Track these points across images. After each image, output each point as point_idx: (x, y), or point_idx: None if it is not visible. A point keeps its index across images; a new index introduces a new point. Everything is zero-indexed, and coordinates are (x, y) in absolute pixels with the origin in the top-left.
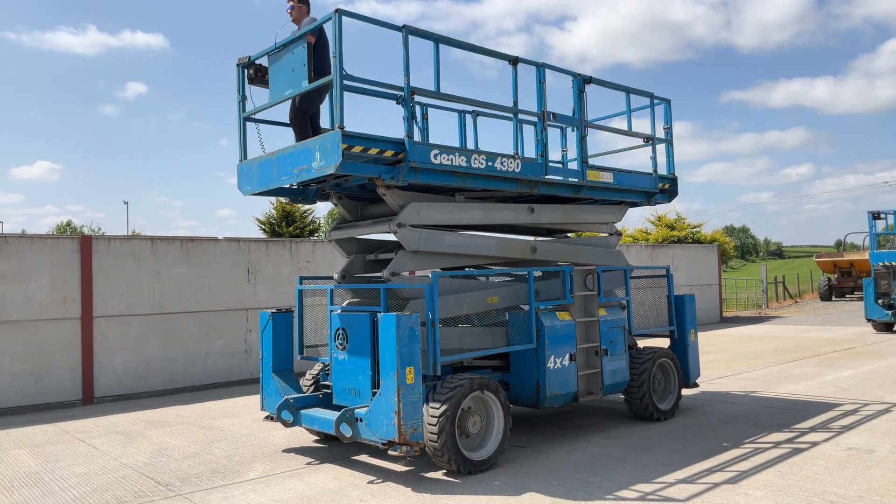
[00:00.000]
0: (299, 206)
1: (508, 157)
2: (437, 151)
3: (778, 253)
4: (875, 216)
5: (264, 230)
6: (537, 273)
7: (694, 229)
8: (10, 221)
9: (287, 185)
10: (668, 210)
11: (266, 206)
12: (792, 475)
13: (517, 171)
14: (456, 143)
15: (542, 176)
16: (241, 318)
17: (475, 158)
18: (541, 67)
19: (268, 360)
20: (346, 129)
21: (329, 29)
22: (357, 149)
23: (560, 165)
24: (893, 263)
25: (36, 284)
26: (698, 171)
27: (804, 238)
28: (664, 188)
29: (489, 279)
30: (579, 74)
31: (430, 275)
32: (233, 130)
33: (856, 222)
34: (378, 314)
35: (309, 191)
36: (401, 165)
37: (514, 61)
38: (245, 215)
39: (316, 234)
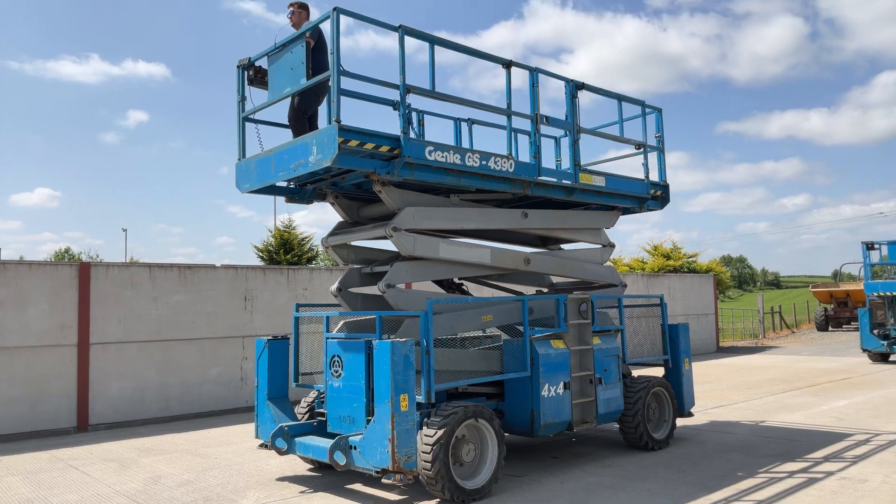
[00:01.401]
0: (297, 233)
1: (502, 156)
2: (431, 148)
3: (775, 283)
4: (869, 247)
5: (262, 258)
6: (532, 301)
7: (690, 259)
8: (8, 248)
9: (284, 183)
10: (665, 240)
11: (264, 234)
12: None
13: (511, 171)
14: None
15: (536, 177)
16: (237, 345)
17: (469, 157)
18: (534, 72)
19: (263, 387)
20: (342, 123)
21: (327, 29)
22: (353, 143)
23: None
24: (888, 294)
25: (34, 311)
26: (695, 200)
27: (801, 268)
28: (656, 195)
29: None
30: (571, 80)
31: (425, 288)
32: (233, 159)
33: (852, 252)
34: (373, 341)
35: (306, 190)
36: (396, 161)
37: (508, 65)
38: (243, 243)
39: (313, 262)
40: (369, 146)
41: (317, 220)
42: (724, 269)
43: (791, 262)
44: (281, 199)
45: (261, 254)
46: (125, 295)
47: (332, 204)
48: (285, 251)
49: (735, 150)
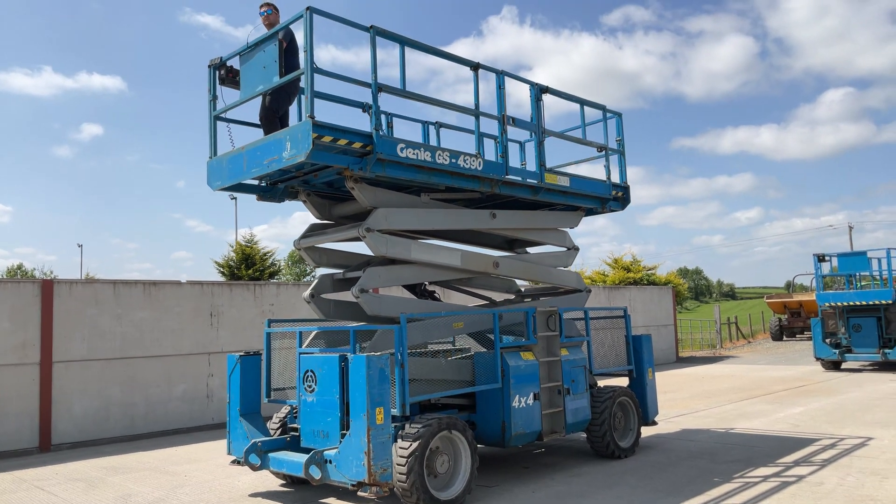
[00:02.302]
0: (259, 248)
1: (471, 155)
2: (403, 145)
3: (731, 294)
4: (820, 259)
5: (223, 273)
6: (502, 313)
7: (649, 271)
8: None
9: (256, 181)
10: (625, 253)
11: (224, 249)
12: None
13: (479, 169)
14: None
15: (503, 175)
16: (203, 362)
17: (439, 154)
18: (500, 74)
19: (235, 403)
20: (316, 119)
21: (299, 33)
22: (327, 139)
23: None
24: (840, 304)
25: None
26: (651, 214)
27: (756, 279)
28: (617, 195)
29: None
30: (536, 84)
31: (397, 293)
32: (191, 171)
33: (804, 264)
34: (348, 355)
35: (277, 189)
36: (369, 157)
37: (475, 67)
38: (202, 258)
39: (277, 277)
40: (342, 142)
41: (278, 235)
42: (681, 281)
43: (745, 274)
44: (242, 214)
45: (222, 269)
46: (89, 312)
47: (304, 202)
48: (247, 266)
49: (690, 164)
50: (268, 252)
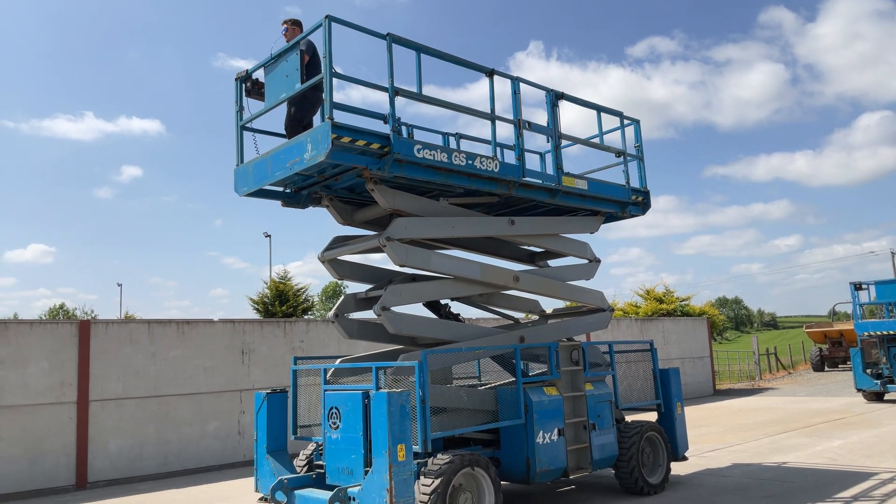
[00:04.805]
0: (292, 284)
1: (488, 157)
2: (420, 146)
3: (772, 323)
4: (857, 287)
5: (258, 309)
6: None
7: (683, 302)
8: (2, 305)
9: (280, 188)
10: (657, 284)
11: (259, 286)
12: None
13: (496, 171)
14: None
15: (520, 177)
16: (235, 399)
17: (456, 156)
18: (515, 80)
19: (262, 440)
20: (335, 121)
21: (320, 38)
22: (346, 139)
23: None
24: (880, 333)
25: (34, 369)
26: (687, 243)
27: (798, 308)
28: (637, 200)
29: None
30: (552, 90)
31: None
32: (228, 210)
33: (846, 292)
34: (370, 392)
35: (300, 195)
36: (387, 158)
37: (490, 73)
38: (238, 294)
39: (309, 313)
40: (361, 143)
41: (312, 271)
42: (717, 311)
43: (787, 302)
44: (277, 251)
45: (256, 305)
46: (124, 351)
47: (327, 207)
48: (280, 302)
49: (723, 192)
50: (301, 288)
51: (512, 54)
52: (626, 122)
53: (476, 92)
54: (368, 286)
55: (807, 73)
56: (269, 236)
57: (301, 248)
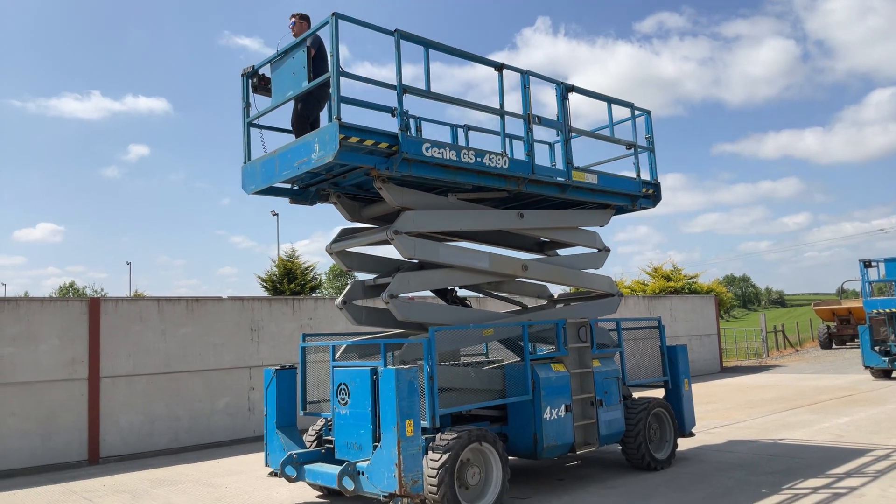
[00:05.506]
0: (300, 262)
1: (497, 154)
2: (428, 145)
3: (780, 301)
4: (867, 264)
5: (266, 287)
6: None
7: (690, 280)
8: (12, 283)
9: (289, 184)
10: (665, 261)
11: (267, 264)
12: None
13: (505, 167)
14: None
15: (530, 174)
16: (244, 375)
17: (465, 153)
18: (525, 74)
19: (272, 416)
20: (343, 121)
21: (327, 34)
22: (353, 139)
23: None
24: (889, 310)
25: (45, 346)
26: (694, 221)
27: (806, 286)
28: (647, 193)
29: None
30: (562, 83)
31: (426, 296)
32: (235, 189)
33: (855, 269)
34: (378, 368)
35: (308, 192)
36: (395, 157)
37: (500, 67)
38: (247, 273)
39: (317, 291)
40: (369, 143)
41: (318, 249)
42: (725, 289)
43: (795, 280)
44: (284, 230)
45: (264, 284)
46: (134, 329)
47: (335, 204)
48: (288, 280)
49: (732, 170)
50: (309, 266)
51: (519, 30)
52: (637, 112)
53: (483, 70)
54: (376, 274)
55: (817, 48)
56: (277, 215)
57: (308, 226)
